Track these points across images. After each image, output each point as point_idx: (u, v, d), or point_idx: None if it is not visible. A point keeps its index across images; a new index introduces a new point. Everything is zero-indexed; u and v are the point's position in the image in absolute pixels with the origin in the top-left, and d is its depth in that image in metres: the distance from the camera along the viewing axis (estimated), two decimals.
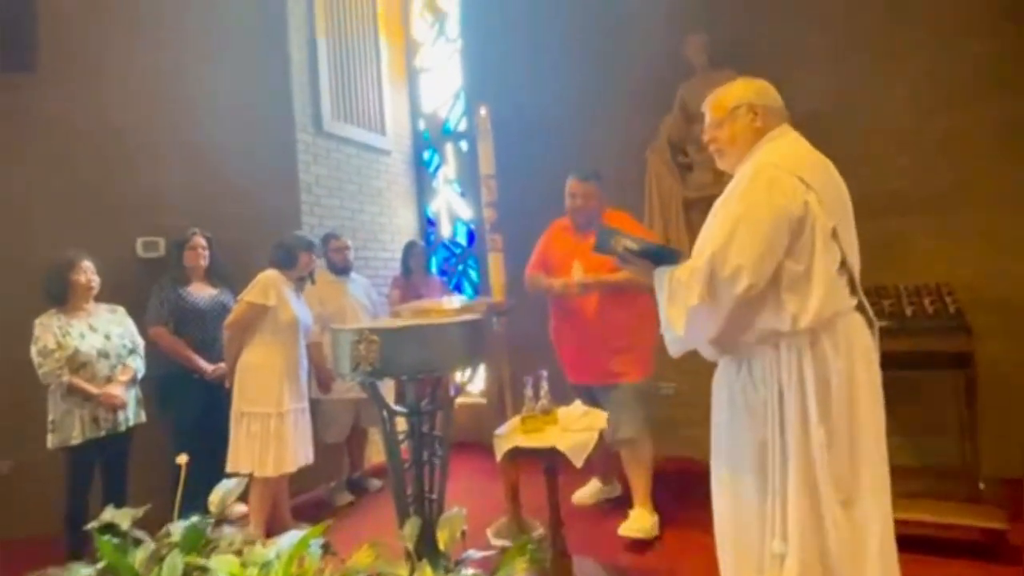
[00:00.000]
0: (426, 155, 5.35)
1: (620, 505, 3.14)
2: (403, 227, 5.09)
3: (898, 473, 1.65)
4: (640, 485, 2.91)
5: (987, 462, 2.80)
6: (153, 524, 1.36)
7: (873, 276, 2.07)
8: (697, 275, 1.54)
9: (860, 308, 1.63)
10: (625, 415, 2.84)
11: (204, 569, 1.18)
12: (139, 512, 1.36)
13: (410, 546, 1.31)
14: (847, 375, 1.55)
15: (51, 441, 2.78)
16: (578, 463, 2.05)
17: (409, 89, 5.31)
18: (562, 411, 2.30)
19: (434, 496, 2.06)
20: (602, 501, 3.31)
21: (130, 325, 3.07)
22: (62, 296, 2.87)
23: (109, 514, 1.34)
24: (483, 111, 3.03)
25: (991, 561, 2.36)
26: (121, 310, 3.08)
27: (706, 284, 1.52)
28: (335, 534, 1.40)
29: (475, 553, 1.36)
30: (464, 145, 5.16)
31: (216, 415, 3.07)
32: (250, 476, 2.80)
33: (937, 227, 3.29)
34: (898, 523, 1.61)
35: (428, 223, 5.37)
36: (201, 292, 3.32)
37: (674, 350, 1.72)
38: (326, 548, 1.28)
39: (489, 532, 2.40)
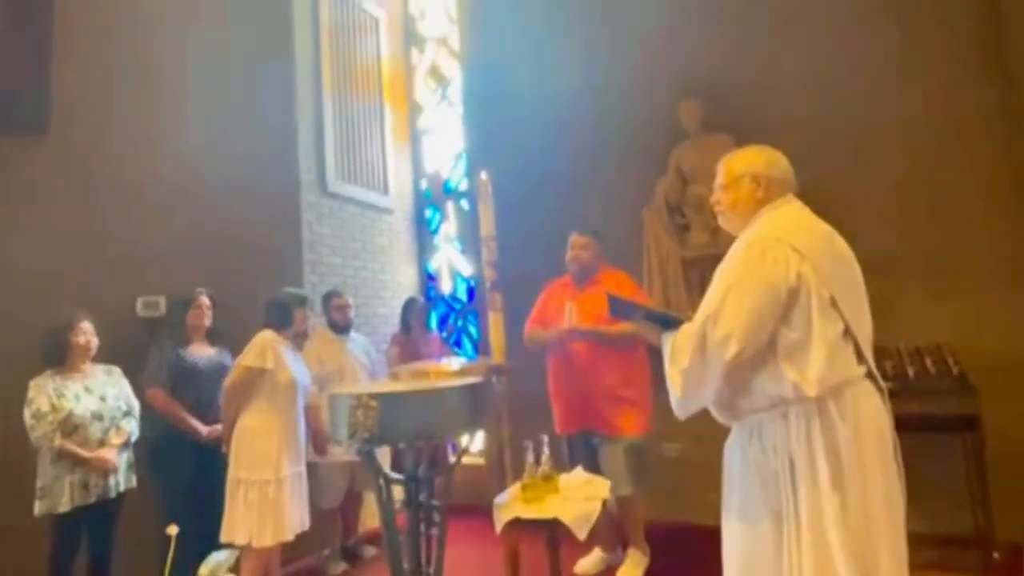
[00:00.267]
0: (427, 213, 5.45)
1: None
2: (404, 284, 5.12)
3: (909, 541, 1.60)
4: (635, 536, 3.05)
5: (1000, 528, 2.73)
6: None
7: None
8: (690, 339, 1.59)
9: (870, 376, 1.62)
10: (623, 471, 2.86)
11: None
12: None
13: None
14: (856, 444, 1.53)
15: (38, 508, 2.70)
16: (581, 535, 1.99)
17: (412, 150, 5.46)
18: (564, 478, 2.25)
19: (431, 570, 1.99)
20: (604, 571, 3.21)
21: (125, 386, 3.04)
22: (59, 357, 2.85)
23: None
24: (484, 175, 3.11)
25: None
26: (117, 371, 3.06)
27: (698, 347, 1.57)
28: None
29: None
30: (465, 204, 5.26)
31: (209, 480, 2.99)
32: (244, 546, 2.71)
33: (931, 287, 3.32)
34: None
35: (429, 279, 5.41)
36: (200, 352, 3.30)
37: (678, 411, 1.72)
38: None
39: None
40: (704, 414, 1.73)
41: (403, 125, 5.40)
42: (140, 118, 3.89)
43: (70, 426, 2.74)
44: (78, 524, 2.75)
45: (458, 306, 5.29)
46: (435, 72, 5.46)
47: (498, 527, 2.09)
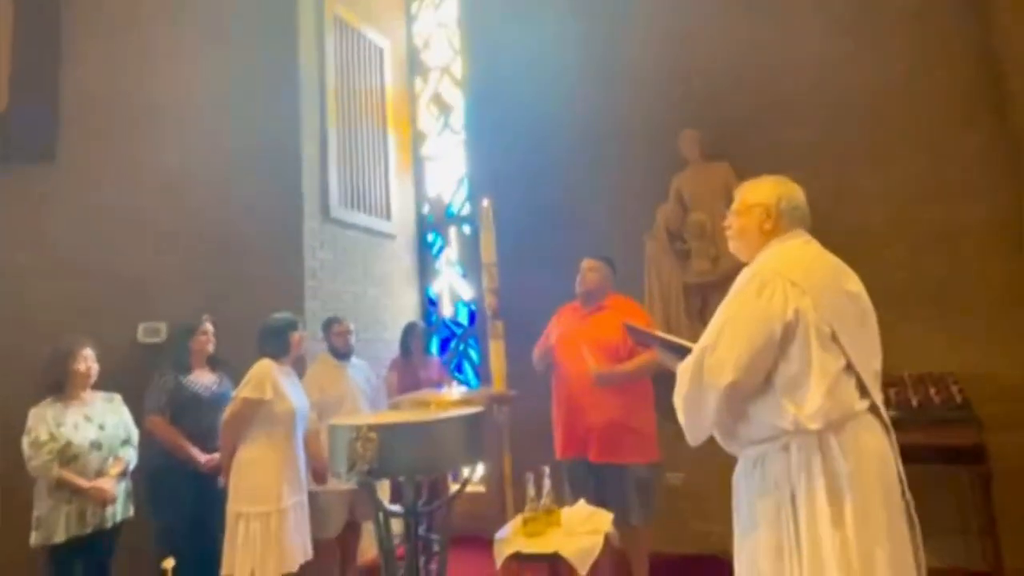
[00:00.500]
0: (429, 238, 5.47)
1: None
2: (405, 308, 5.12)
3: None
4: (639, 570, 2.93)
5: (1010, 559, 2.68)
6: None
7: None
8: (689, 367, 1.65)
9: (874, 411, 1.61)
10: (636, 501, 2.81)
11: None
12: None
13: None
14: (857, 479, 1.52)
15: (34, 539, 2.67)
16: (583, 571, 1.96)
17: (414, 175, 5.51)
18: (566, 511, 2.22)
19: None
20: None
21: (125, 414, 3.03)
22: (60, 385, 2.85)
23: None
24: (486, 202, 3.14)
25: None
26: (117, 398, 3.05)
27: (696, 375, 1.62)
28: None
29: None
30: (467, 229, 5.29)
31: (208, 511, 2.96)
32: None
33: (934, 315, 3.30)
34: None
35: (430, 303, 5.41)
36: (201, 380, 3.28)
37: (688, 437, 1.74)
38: None
39: None
40: (707, 443, 1.74)
41: (406, 152, 5.46)
42: (145, 146, 3.94)
43: (69, 455, 2.73)
44: (73, 555, 2.73)
45: (459, 331, 5.29)
46: (438, 100, 5.53)
47: (498, 562, 2.06)
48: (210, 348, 3.35)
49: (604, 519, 2.25)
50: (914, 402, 2.97)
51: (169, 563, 1.40)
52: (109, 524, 2.81)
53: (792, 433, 1.55)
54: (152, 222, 3.85)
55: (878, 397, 1.62)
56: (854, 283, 1.69)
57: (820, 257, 1.71)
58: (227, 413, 2.89)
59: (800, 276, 1.60)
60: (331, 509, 3.49)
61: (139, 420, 3.09)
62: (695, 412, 1.66)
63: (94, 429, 2.84)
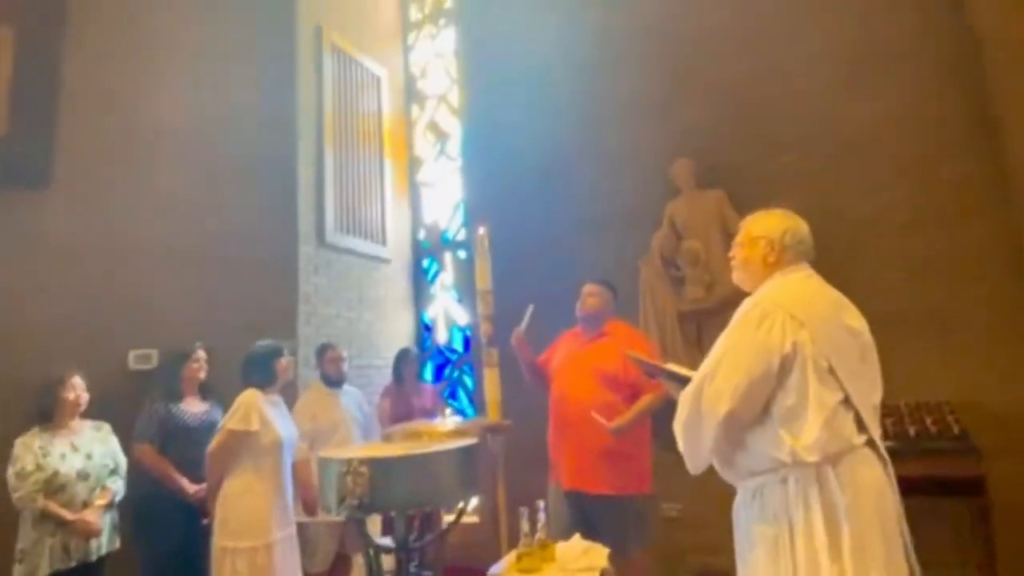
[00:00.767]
0: (425, 263, 5.48)
1: None
2: (400, 334, 5.10)
3: None
4: None
5: None
6: None
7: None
8: (688, 396, 1.68)
9: (872, 446, 1.62)
10: (634, 531, 2.76)
11: None
12: None
13: None
14: (854, 513, 1.53)
15: (17, 572, 2.61)
16: None
17: (411, 201, 5.53)
18: (561, 547, 2.18)
19: None
20: None
21: (114, 443, 2.98)
22: (48, 413, 2.81)
23: None
24: (482, 230, 3.14)
25: None
26: (106, 427, 3.00)
27: (694, 403, 1.65)
28: None
29: None
30: (462, 253, 5.29)
31: (196, 543, 2.89)
32: None
33: (931, 344, 3.29)
34: None
35: (425, 328, 5.38)
36: (192, 408, 3.24)
37: (688, 465, 1.76)
38: None
39: None
40: (705, 473, 1.75)
41: (403, 178, 5.49)
42: (141, 173, 3.95)
43: (55, 486, 2.68)
44: None
45: (454, 357, 5.26)
46: (434, 127, 5.59)
47: None
48: (202, 376, 3.31)
49: (600, 554, 2.20)
50: (911, 432, 2.95)
51: None
52: (94, 557, 2.74)
53: (790, 466, 1.56)
54: (146, 248, 3.85)
55: (876, 432, 1.64)
56: (855, 318, 1.72)
57: (821, 291, 1.74)
58: (213, 445, 2.81)
59: (800, 309, 1.63)
60: (321, 541, 3.43)
61: (128, 448, 3.04)
62: (694, 439, 1.69)
63: (81, 459, 2.79)
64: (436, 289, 5.42)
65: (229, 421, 2.80)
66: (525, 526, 2.16)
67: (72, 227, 3.77)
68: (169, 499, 3.02)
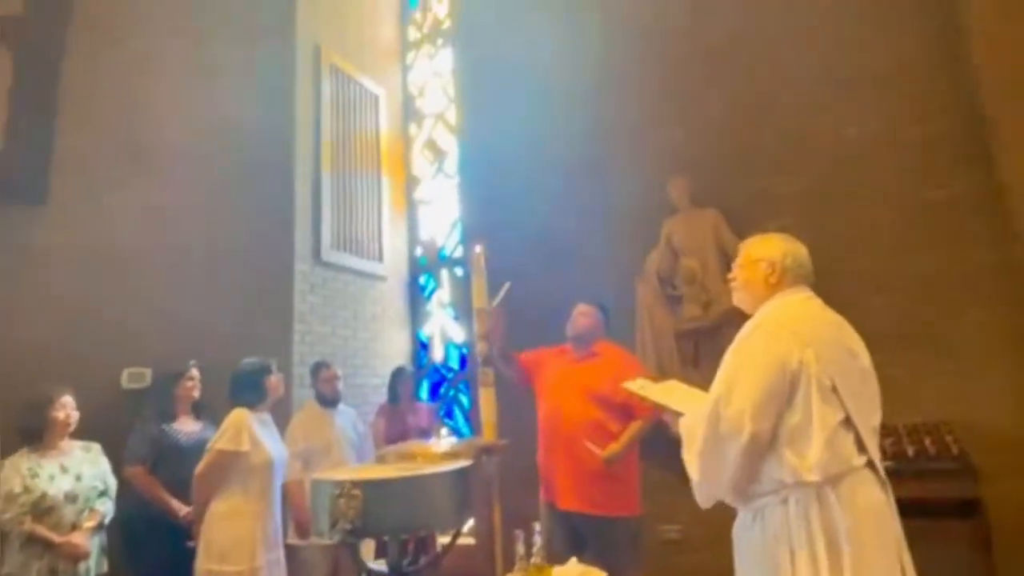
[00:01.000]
0: (421, 280, 5.47)
1: None
2: (395, 351, 5.07)
3: None
4: None
5: None
6: None
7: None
8: (702, 421, 1.64)
9: (871, 467, 1.61)
10: (627, 554, 2.73)
11: None
12: None
13: None
14: (854, 535, 1.52)
15: None
16: None
17: (408, 219, 5.54)
18: (557, 570, 2.14)
19: None
20: None
21: (103, 464, 2.94)
22: (38, 434, 2.77)
23: None
24: (478, 248, 3.14)
25: None
26: (96, 448, 2.96)
27: (711, 429, 1.62)
28: None
29: None
30: (459, 271, 5.28)
31: (183, 566, 2.83)
32: None
33: (923, 364, 3.27)
34: None
35: (421, 346, 5.36)
36: (185, 427, 3.21)
37: (699, 498, 1.73)
38: None
39: None
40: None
41: (400, 195, 5.51)
42: (137, 191, 3.96)
43: (42, 508, 2.64)
44: None
45: (450, 375, 5.23)
46: (432, 145, 5.62)
47: None
48: (195, 394, 3.28)
49: None
50: (909, 452, 2.93)
51: None
52: None
53: (791, 487, 1.56)
54: (140, 266, 3.84)
55: (875, 454, 1.64)
56: (856, 342, 1.73)
57: (822, 313, 1.76)
58: (201, 466, 2.75)
59: (803, 328, 1.65)
60: (315, 564, 3.37)
61: (118, 468, 3.00)
62: (714, 468, 1.64)
63: (70, 480, 2.75)
64: (432, 306, 5.40)
65: (218, 441, 2.76)
66: (521, 549, 2.12)
67: (66, 245, 3.76)
68: (157, 520, 2.98)
